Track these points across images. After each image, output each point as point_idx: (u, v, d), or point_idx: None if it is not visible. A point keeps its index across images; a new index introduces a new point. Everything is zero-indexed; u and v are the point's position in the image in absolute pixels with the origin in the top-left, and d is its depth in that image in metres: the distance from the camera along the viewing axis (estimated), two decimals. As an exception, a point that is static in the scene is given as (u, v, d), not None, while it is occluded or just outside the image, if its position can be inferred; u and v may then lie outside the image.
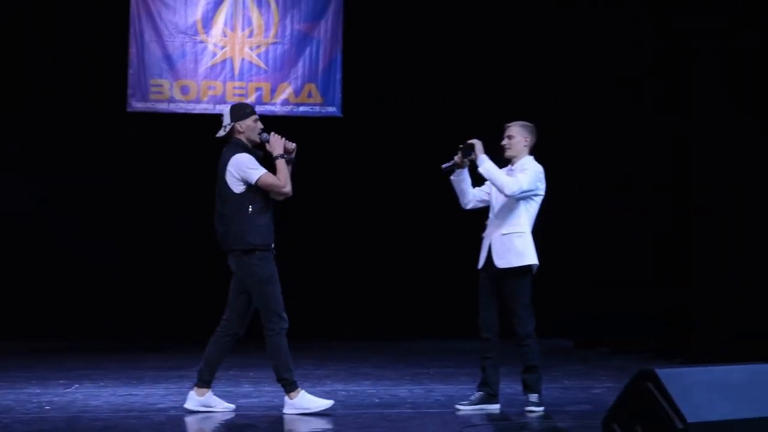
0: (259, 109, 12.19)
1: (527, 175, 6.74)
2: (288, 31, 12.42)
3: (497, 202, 6.85)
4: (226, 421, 6.49)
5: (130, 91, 12.14)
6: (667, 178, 10.59)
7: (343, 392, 7.64)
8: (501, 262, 6.72)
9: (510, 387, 7.43)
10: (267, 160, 6.76)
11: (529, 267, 6.73)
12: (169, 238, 12.41)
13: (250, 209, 6.58)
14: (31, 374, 8.54)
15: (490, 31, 12.56)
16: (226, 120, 6.74)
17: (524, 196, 6.75)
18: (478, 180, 6.96)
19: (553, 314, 11.78)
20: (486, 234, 6.87)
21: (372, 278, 12.62)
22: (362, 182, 12.74)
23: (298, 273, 12.44)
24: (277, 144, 6.74)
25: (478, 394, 6.82)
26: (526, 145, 6.90)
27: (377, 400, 7.25)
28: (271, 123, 12.25)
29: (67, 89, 12.09)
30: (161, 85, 12.25)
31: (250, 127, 6.73)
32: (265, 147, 6.77)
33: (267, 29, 12.38)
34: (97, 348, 10.68)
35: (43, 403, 6.97)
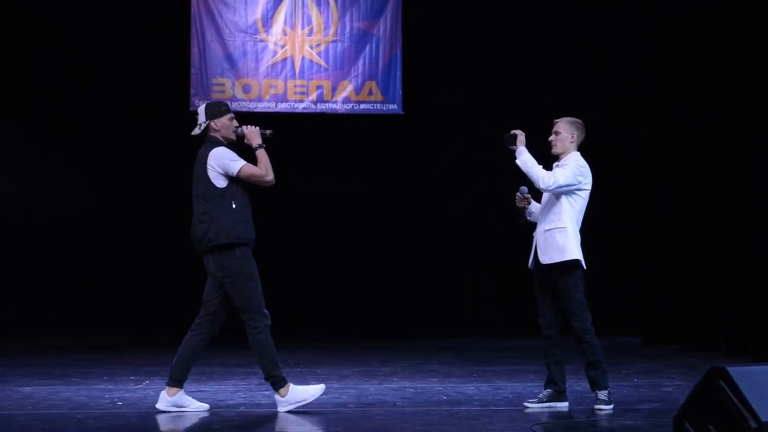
0: (320, 106, 12.44)
1: (566, 170, 6.69)
2: (347, 29, 12.47)
3: (543, 198, 6.85)
4: (277, 417, 6.51)
5: (192, 91, 12.29)
6: (729, 175, 10.45)
7: (411, 389, 7.65)
8: (544, 257, 6.70)
9: (578, 385, 7.38)
10: (245, 157, 6.64)
11: (575, 262, 6.67)
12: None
13: (234, 204, 6.48)
14: (103, 370, 8.66)
15: (550, 24, 12.52)
16: (201, 118, 6.63)
17: (564, 191, 6.70)
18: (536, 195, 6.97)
19: (620, 311, 11.74)
20: (534, 232, 6.87)
21: (436, 275, 12.63)
22: (424, 179, 12.73)
23: (368, 270, 12.56)
24: (253, 135, 6.63)
25: (546, 392, 6.78)
26: (572, 142, 6.83)
27: (445, 398, 7.24)
28: (333, 121, 12.45)
29: (131, 90, 12.23)
30: (223, 84, 12.36)
31: (225, 125, 6.62)
32: (242, 143, 6.67)
33: (326, 27, 12.44)
34: (165, 344, 10.77)
35: (116, 399, 7.05)
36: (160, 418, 6.41)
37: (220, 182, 6.50)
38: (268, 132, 6.74)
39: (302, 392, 6.59)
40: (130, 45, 12.33)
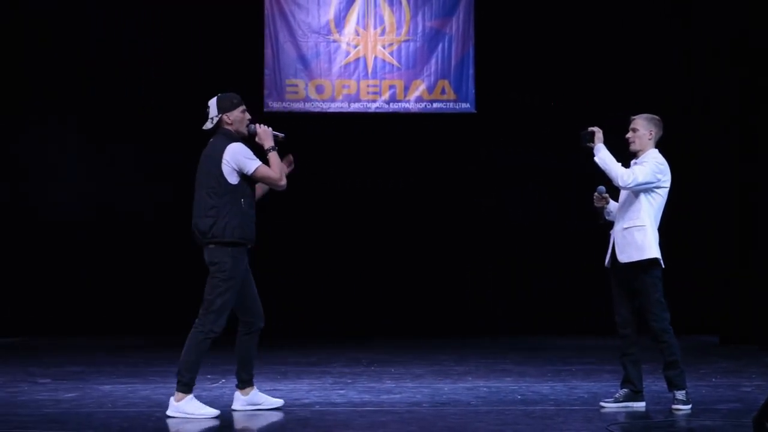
0: (393, 106, 12.45)
1: (644, 167, 6.61)
2: (420, 28, 12.47)
3: (621, 196, 6.77)
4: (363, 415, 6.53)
5: (266, 92, 12.39)
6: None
7: (485, 388, 7.63)
8: (623, 256, 6.63)
9: (655, 384, 7.30)
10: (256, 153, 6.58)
11: (653, 260, 6.59)
12: (298, 235, 12.56)
13: (243, 203, 6.38)
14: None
15: (625, 21, 12.40)
16: (213, 112, 6.48)
17: (643, 189, 6.62)
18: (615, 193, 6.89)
19: (698, 310, 11.58)
20: (612, 231, 6.79)
21: (510, 274, 12.56)
22: (496, 177, 12.68)
23: (441, 269, 12.55)
24: (266, 136, 6.50)
25: (622, 391, 6.71)
26: (650, 139, 6.74)
27: (519, 397, 7.21)
28: (405, 120, 12.46)
29: (205, 92, 12.33)
30: (296, 85, 12.44)
31: (238, 119, 6.48)
32: (253, 140, 6.56)
33: (399, 27, 12.45)
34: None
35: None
36: (237, 416, 6.49)
37: (233, 179, 6.36)
38: (281, 135, 6.61)
39: (195, 407, 6.32)
40: (204, 46, 12.46)
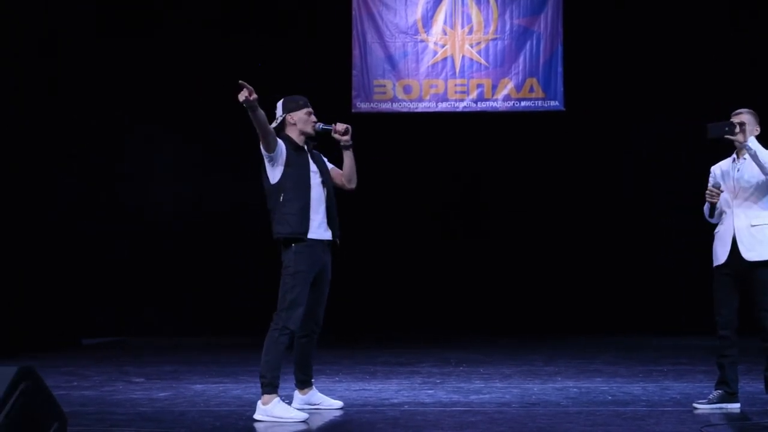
0: (481, 105, 12.42)
1: None
2: (507, 27, 12.41)
3: (740, 191, 6.54)
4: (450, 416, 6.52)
5: (354, 93, 12.46)
6: None
7: (575, 389, 7.56)
8: (751, 254, 6.44)
9: (750, 385, 7.17)
10: (330, 151, 6.67)
11: None
12: (391, 234, 12.60)
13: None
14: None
15: (710, 20, 12.21)
16: (279, 112, 6.57)
17: None
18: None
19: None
20: (724, 227, 6.59)
21: (599, 273, 12.44)
22: (586, 176, 12.57)
23: (530, 269, 12.49)
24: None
25: (716, 393, 6.59)
26: (756, 133, 6.58)
27: (610, 397, 7.13)
28: (494, 119, 12.42)
29: (294, 94, 12.43)
30: (384, 86, 12.47)
31: (302, 119, 6.54)
32: (318, 139, 6.63)
33: (486, 25, 12.41)
34: (328, 344, 10.96)
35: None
36: (325, 419, 6.44)
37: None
38: (331, 127, 6.68)
39: (283, 410, 6.27)
40: (293, 48, 12.56)
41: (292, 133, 6.55)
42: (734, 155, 6.65)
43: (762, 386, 6.58)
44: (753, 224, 6.49)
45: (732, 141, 6.50)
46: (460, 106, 12.42)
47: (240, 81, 6.09)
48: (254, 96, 6.10)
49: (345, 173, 6.80)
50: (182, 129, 12.63)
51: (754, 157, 6.41)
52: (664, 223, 12.26)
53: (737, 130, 6.44)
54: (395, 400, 7.09)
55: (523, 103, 12.41)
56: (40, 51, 11.44)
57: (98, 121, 12.60)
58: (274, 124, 6.54)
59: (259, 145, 6.39)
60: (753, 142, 6.45)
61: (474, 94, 12.39)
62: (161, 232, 12.67)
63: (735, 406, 6.54)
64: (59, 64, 11.88)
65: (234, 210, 12.54)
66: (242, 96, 6.09)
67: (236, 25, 12.67)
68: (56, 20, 11.71)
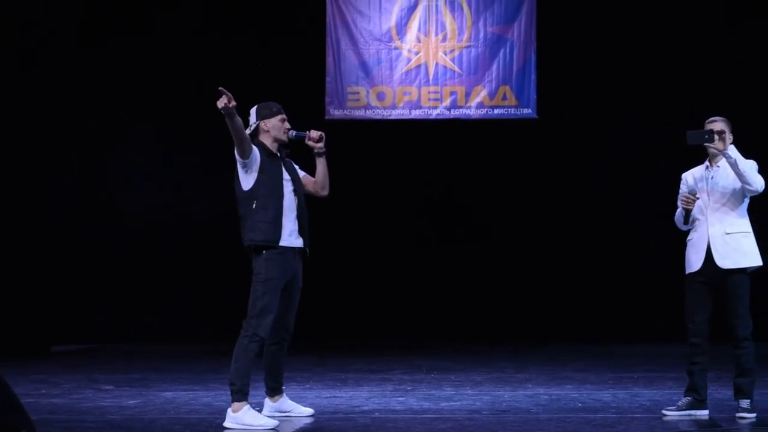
0: (454, 112, 12.44)
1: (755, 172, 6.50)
2: (481, 34, 12.45)
3: (714, 199, 6.56)
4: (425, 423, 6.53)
5: (328, 99, 12.45)
6: None
7: (545, 396, 7.58)
8: (726, 262, 6.47)
9: (719, 392, 7.21)
10: (304, 158, 6.68)
11: (757, 268, 6.50)
12: (361, 241, 12.59)
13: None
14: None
15: (686, 26, 12.27)
16: (252, 119, 6.57)
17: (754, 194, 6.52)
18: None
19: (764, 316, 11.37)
20: (698, 235, 6.60)
21: (578, 280, 12.45)
22: (561, 183, 12.61)
23: (500, 276, 12.51)
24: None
25: (685, 400, 6.62)
26: (731, 141, 6.62)
27: (580, 404, 7.15)
28: (467, 127, 12.44)
29: (268, 101, 12.42)
30: (358, 93, 12.48)
31: (276, 126, 6.53)
32: (290, 146, 6.63)
33: (460, 33, 12.43)
34: (299, 351, 10.95)
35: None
36: (295, 426, 6.44)
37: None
38: (304, 134, 6.67)
39: (253, 418, 6.24)
40: (266, 55, 12.55)
41: (266, 140, 6.54)
42: (707, 162, 6.68)
43: (731, 393, 6.61)
44: (728, 232, 6.52)
45: (709, 149, 6.55)
46: (434, 114, 12.44)
47: (220, 88, 6.09)
48: (233, 103, 6.11)
49: (318, 180, 6.79)
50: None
51: (734, 166, 6.44)
52: (643, 230, 12.30)
53: (716, 138, 6.49)
54: (366, 408, 7.09)
55: (496, 111, 12.44)
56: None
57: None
58: (248, 131, 6.51)
59: (234, 150, 6.37)
60: (733, 150, 6.50)
61: (447, 102, 12.41)
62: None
63: (704, 413, 6.57)
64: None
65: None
66: (221, 103, 6.09)
67: (221, 29, 12.63)
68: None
